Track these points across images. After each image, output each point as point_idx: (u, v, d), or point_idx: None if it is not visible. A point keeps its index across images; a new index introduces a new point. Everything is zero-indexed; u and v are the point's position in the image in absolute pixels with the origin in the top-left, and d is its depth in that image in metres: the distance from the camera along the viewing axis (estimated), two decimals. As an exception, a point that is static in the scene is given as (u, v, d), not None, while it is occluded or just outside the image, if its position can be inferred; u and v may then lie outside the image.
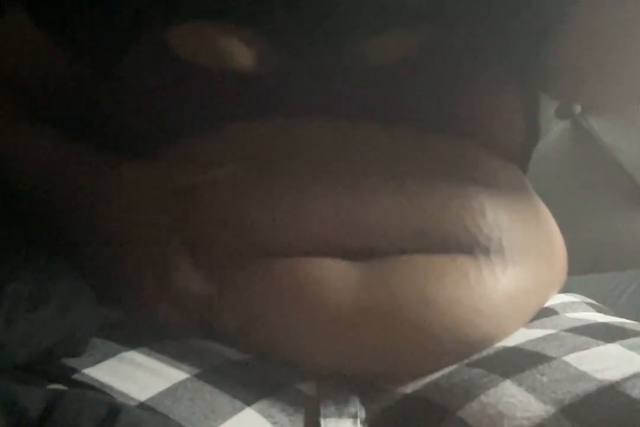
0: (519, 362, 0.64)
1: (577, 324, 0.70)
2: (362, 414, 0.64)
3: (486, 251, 0.67)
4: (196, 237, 0.67)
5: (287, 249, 0.65)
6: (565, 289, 0.80)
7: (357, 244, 0.66)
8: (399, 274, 0.65)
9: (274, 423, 0.61)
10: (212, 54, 0.72)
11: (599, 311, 0.78)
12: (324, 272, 0.65)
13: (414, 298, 0.64)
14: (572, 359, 0.63)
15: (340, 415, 0.63)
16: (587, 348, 0.64)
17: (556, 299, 0.77)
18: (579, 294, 0.81)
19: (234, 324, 0.65)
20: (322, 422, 0.63)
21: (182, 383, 0.61)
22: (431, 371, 0.66)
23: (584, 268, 1.11)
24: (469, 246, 0.67)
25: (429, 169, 0.69)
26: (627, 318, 0.74)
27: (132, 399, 0.58)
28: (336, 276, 0.65)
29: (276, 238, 0.66)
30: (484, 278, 0.67)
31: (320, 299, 0.64)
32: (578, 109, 1.22)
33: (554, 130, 1.22)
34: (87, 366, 0.60)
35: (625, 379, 0.60)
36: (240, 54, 0.73)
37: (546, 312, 0.74)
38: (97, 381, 0.59)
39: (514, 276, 0.68)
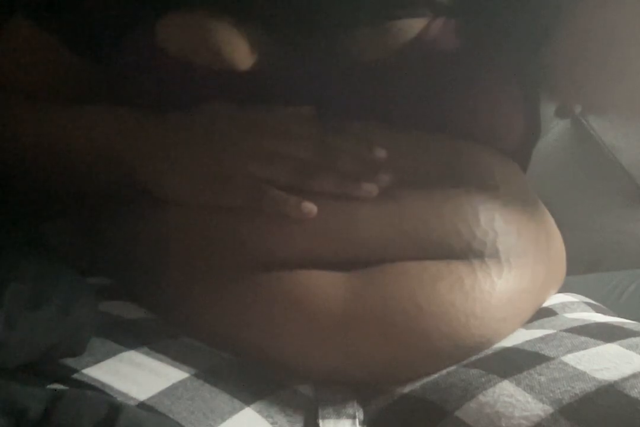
0: (517, 362, 0.64)
1: (576, 324, 0.70)
2: (360, 414, 0.64)
3: (480, 255, 0.67)
4: (193, 248, 0.68)
5: (276, 259, 0.65)
6: (565, 289, 0.80)
7: (347, 253, 0.66)
8: (391, 281, 0.65)
9: (273, 423, 0.61)
10: (201, 48, 0.72)
11: (598, 310, 0.78)
12: (313, 280, 0.65)
13: (408, 304, 0.64)
14: (570, 358, 0.63)
15: (338, 416, 0.63)
16: (585, 348, 0.65)
17: (555, 299, 0.77)
18: (579, 294, 0.81)
19: (227, 332, 0.66)
20: (321, 423, 0.63)
21: (181, 383, 0.61)
22: (428, 374, 0.66)
23: (584, 268, 1.11)
24: (463, 251, 0.67)
25: (421, 174, 0.68)
26: (627, 318, 0.74)
27: (132, 398, 0.58)
28: (326, 284, 0.65)
29: (265, 248, 0.66)
30: (478, 282, 0.67)
31: (311, 308, 0.64)
32: (578, 109, 1.22)
33: (554, 130, 1.22)
34: (87, 366, 0.60)
35: (624, 379, 0.60)
36: (233, 48, 0.72)
37: (545, 313, 0.74)
38: (97, 380, 0.59)
39: (510, 278, 0.68)
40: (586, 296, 0.82)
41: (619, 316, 0.77)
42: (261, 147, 0.68)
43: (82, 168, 0.74)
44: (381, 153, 0.69)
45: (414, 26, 0.73)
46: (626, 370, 0.61)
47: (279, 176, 0.67)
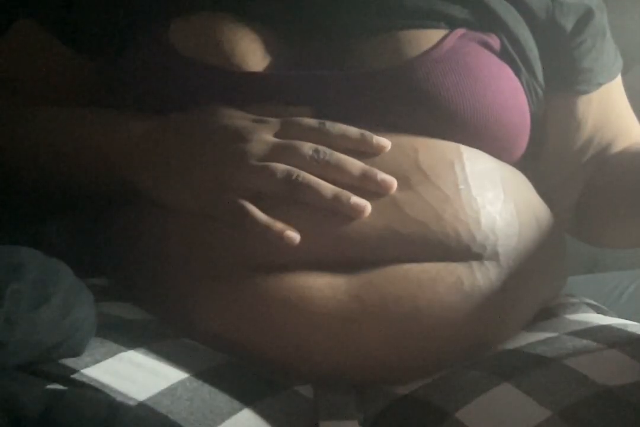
0: (518, 365, 0.64)
1: (578, 327, 0.70)
2: (360, 415, 0.64)
3: (480, 258, 0.67)
4: (193, 249, 0.68)
5: (275, 260, 0.65)
6: (565, 290, 0.80)
7: (347, 254, 0.65)
8: (391, 282, 0.65)
9: (272, 424, 0.61)
10: (215, 49, 0.72)
11: (599, 311, 0.78)
12: (312, 282, 0.65)
13: (407, 305, 0.64)
14: (571, 362, 0.63)
15: (338, 417, 0.63)
16: (587, 352, 0.65)
17: (555, 300, 0.77)
18: (579, 294, 0.81)
19: (227, 332, 0.66)
20: (321, 424, 0.63)
21: (181, 383, 0.61)
22: (428, 375, 0.66)
23: (584, 268, 1.11)
24: (462, 253, 0.67)
25: (421, 176, 0.68)
26: (627, 318, 0.74)
27: (132, 398, 0.58)
28: (326, 285, 0.65)
29: (265, 249, 0.65)
30: (478, 284, 0.67)
31: (311, 309, 0.64)
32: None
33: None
34: (86, 366, 0.60)
35: (625, 385, 0.60)
36: (246, 50, 0.72)
37: (546, 314, 0.74)
38: (96, 381, 0.59)
39: (510, 280, 0.68)
40: (586, 296, 0.82)
41: (619, 316, 0.77)
42: (251, 157, 0.66)
43: (82, 172, 0.74)
44: (384, 142, 0.68)
45: (429, 37, 0.73)
46: (627, 376, 0.61)
47: (268, 187, 0.66)
